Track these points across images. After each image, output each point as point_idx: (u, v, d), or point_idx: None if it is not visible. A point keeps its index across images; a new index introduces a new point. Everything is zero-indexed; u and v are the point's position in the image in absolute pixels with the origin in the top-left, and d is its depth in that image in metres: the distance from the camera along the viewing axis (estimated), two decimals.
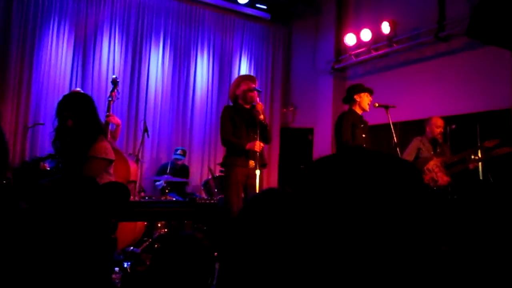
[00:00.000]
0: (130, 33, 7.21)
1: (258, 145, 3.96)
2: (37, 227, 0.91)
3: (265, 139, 4.15)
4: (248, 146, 4.00)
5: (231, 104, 4.46)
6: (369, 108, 4.57)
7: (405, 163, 0.64)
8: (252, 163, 4.05)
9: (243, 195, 4.07)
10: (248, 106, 4.25)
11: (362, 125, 4.49)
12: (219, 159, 7.69)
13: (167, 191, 5.58)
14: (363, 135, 4.46)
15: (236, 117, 4.18)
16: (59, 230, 0.87)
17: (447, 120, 5.32)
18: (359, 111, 4.51)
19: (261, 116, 4.05)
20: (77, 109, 2.65)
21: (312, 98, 8.18)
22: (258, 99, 4.25)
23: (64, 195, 0.95)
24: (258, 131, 3.98)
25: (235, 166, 4.04)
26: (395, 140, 4.53)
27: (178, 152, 6.72)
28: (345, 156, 0.64)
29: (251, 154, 4.03)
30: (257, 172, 3.94)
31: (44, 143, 6.20)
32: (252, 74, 8.41)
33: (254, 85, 4.29)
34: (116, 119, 3.67)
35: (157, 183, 6.19)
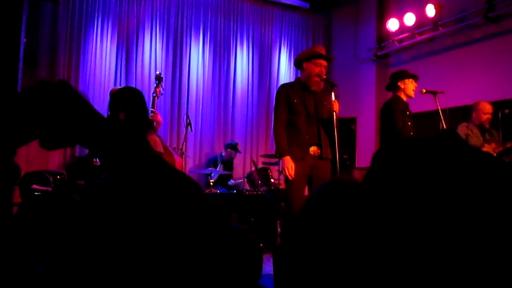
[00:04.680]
0: (171, 28, 7.32)
1: (290, 168, 3.43)
2: (93, 221, 0.91)
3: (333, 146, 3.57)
4: (284, 164, 3.45)
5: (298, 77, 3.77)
6: (414, 95, 4.40)
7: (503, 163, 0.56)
8: (314, 150, 3.57)
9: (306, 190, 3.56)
10: (316, 88, 3.63)
11: (408, 113, 4.32)
12: (262, 151, 7.76)
13: (211, 183, 5.64)
14: (409, 123, 4.30)
15: (295, 98, 3.58)
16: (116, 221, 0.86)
17: (499, 104, 5.07)
18: (404, 98, 4.33)
19: (334, 120, 3.50)
20: (130, 103, 2.72)
21: (355, 87, 8.01)
22: (333, 96, 3.56)
23: (118, 192, 0.94)
24: (335, 135, 3.46)
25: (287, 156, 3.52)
26: (445, 127, 4.36)
27: (237, 147, 6.85)
28: (444, 143, 0.57)
29: (311, 142, 3.55)
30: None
31: None
32: (291, 65, 8.34)
33: (325, 69, 3.65)
34: (158, 117, 3.72)
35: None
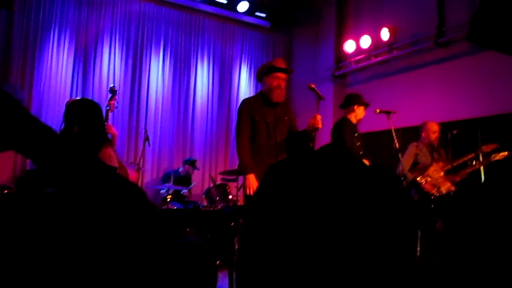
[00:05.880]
0: (131, 42, 7.24)
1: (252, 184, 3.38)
2: (43, 234, 0.88)
3: None
4: (248, 182, 3.41)
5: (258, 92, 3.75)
6: (363, 119, 4.64)
7: (385, 174, 0.63)
8: None
9: None
10: (277, 99, 3.60)
11: (356, 134, 4.53)
12: (221, 167, 7.74)
13: (168, 199, 5.56)
14: (358, 143, 4.50)
15: (257, 115, 3.56)
16: (65, 234, 0.83)
17: (448, 125, 5.30)
18: (353, 121, 4.56)
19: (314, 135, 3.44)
20: (85, 115, 2.65)
21: (313, 105, 8.13)
22: (318, 115, 3.51)
23: (70, 203, 0.91)
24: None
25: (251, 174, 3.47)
26: (397, 146, 4.52)
27: (196, 164, 6.77)
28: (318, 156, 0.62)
29: (271, 161, 3.44)
30: None
31: None
32: (251, 82, 8.42)
33: (284, 81, 3.63)
34: (112, 129, 3.65)
35: (162, 191, 6.19)
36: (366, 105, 4.62)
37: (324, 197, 0.57)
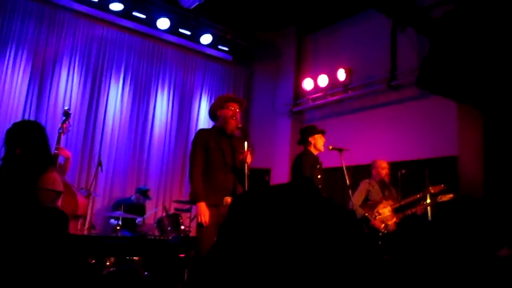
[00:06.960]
0: (90, 65, 7.15)
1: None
2: None
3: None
4: (199, 210, 3.41)
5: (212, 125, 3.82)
6: (324, 149, 4.71)
7: (346, 212, 0.66)
8: (228, 200, 3.50)
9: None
10: (232, 131, 3.71)
11: (318, 166, 4.60)
12: (175, 197, 7.62)
13: (118, 228, 5.40)
14: (319, 176, 4.57)
15: (211, 143, 3.61)
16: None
17: (397, 165, 5.52)
18: (314, 152, 4.63)
19: (246, 170, 3.46)
20: (26, 137, 2.59)
21: (270, 139, 8.30)
22: (246, 146, 3.57)
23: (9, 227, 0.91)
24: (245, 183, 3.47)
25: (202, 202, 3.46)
26: (348, 182, 4.64)
27: (148, 193, 6.64)
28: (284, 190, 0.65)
29: (226, 190, 3.52)
30: None
31: None
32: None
33: (238, 114, 3.74)
34: (65, 152, 3.56)
35: (111, 220, 5.99)
36: (322, 133, 4.68)
37: (287, 233, 0.60)
